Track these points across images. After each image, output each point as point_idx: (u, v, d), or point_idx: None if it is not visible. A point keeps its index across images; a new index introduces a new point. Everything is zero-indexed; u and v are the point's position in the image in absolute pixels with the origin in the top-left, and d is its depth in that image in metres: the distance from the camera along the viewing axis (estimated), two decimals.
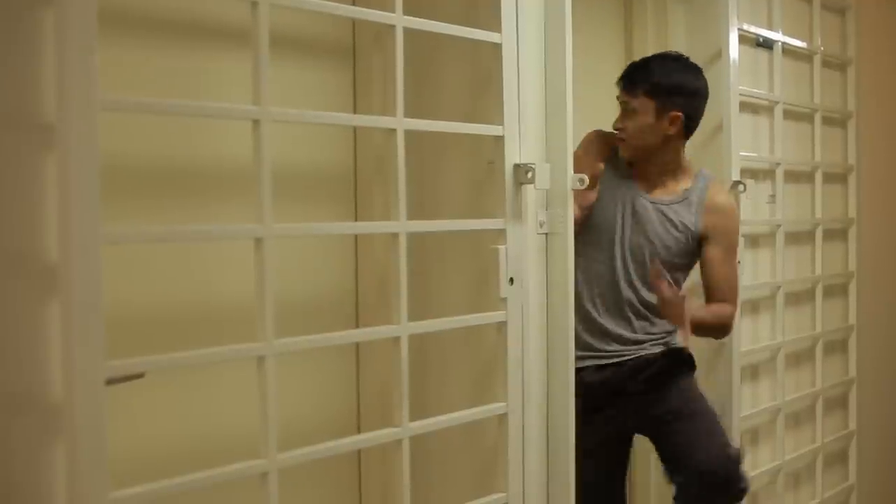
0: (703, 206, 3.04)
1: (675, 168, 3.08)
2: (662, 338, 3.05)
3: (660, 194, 3.07)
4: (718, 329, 3.12)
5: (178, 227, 1.89)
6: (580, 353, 2.93)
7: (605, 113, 3.31)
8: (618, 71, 3.12)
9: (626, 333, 3.04)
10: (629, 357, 3.04)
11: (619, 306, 3.03)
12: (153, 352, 1.76)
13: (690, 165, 3.12)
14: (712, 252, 3.05)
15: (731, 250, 3.09)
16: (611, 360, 3.04)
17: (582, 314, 2.99)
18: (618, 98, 3.06)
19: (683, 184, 3.08)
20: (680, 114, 2.99)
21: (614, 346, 3.04)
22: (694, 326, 2.95)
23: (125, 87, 1.86)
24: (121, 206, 1.90)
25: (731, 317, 3.09)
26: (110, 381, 1.67)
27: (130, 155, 2.12)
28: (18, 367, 1.62)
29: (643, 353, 3.04)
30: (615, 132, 3.06)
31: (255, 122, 1.88)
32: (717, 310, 3.06)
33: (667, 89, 2.99)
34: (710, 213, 3.05)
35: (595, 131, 3.12)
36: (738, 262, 3.19)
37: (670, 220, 3.03)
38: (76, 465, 1.58)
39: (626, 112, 3.02)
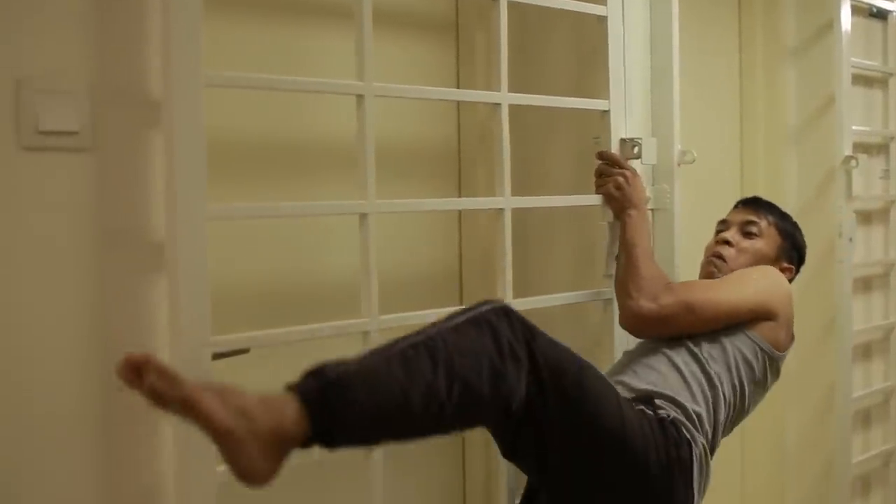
0: None
1: None
2: None
3: None
4: (631, 267, 2.24)
5: (282, 204, 1.89)
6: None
7: (713, 88, 3.23)
8: (729, 42, 3.01)
9: None
10: None
11: None
12: (258, 327, 1.77)
13: None
14: None
15: (728, 280, 2.31)
16: None
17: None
18: (726, 222, 2.48)
19: None
20: (793, 269, 2.48)
21: None
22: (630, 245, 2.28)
23: (228, 64, 1.87)
24: (225, 183, 1.91)
25: (648, 280, 2.20)
26: (216, 357, 1.69)
27: (234, 131, 2.13)
28: (128, 346, 1.65)
29: None
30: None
31: (359, 98, 1.88)
32: (656, 266, 2.28)
33: (793, 239, 2.47)
34: None
35: None
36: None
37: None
38: (181, 448, 1.62)
39: (746, 232, 2.42)
